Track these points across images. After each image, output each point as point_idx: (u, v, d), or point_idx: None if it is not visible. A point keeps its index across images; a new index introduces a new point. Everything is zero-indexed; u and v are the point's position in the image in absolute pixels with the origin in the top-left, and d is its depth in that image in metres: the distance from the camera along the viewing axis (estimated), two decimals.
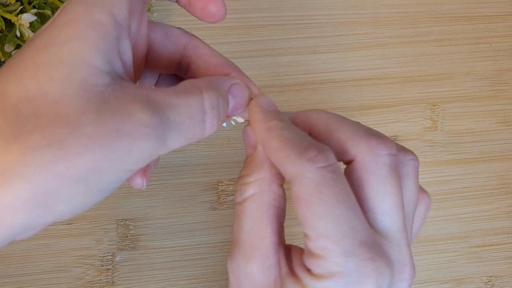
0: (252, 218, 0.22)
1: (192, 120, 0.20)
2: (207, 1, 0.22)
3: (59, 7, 0.32)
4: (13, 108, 0.16)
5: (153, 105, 0.18)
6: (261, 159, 0.23)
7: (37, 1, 0.32)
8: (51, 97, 0.16)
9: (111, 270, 0.36)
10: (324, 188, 0.19)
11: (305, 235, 0.20)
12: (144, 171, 0.24)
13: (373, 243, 0.20)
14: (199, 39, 0.24)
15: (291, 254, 0.23)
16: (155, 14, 0.39)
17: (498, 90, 0.42)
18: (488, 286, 0.39)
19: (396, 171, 0.22)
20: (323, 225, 0.19)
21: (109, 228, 0.37)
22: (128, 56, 0.20)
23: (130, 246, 0.37)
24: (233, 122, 0.25)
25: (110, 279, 0.36)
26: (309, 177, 0.19)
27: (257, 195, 0.22)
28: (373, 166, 0.21)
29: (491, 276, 0.40)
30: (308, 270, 0.20)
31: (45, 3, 0.33)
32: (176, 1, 0.23)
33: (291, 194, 0.21)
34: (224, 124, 0.24)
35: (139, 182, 0.24)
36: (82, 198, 0.17)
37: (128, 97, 0.18)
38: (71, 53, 0.17)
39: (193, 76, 0.24)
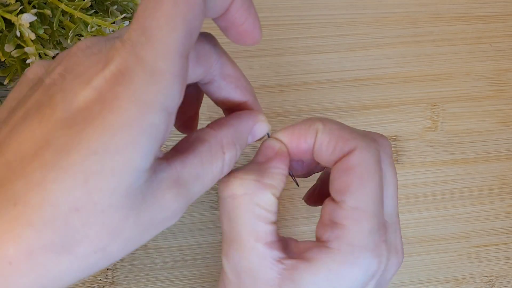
0: (245, 217, 0.23)
1: (212, 183, 0.21)
2: (244, 33, 0.21)
3: (59, 7, 0.32)
4: (63, 219, 0.16)
5: (182, 188, 0.19)
6: (266, 168, 0.24)
7: (37, 1, 0.32)
8: (99, 207, 0.17)
9: (111, 270, 0.36)
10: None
11: (337, 202, 0.23)
12: None
13: (385, 228, 0.23)
14: (226, 55, 0.24)
15: (289, 246, 0.24)
16: None
17: (498, 90, 0.42)
18: (488, 286, 0.39)
19: (392, 161, 0.25)
20: (363, 199, 0.22)
21: None
22: (169, 131, 0.19)
23: None
24: None
25: (110, 279, 0.36)
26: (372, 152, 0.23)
27: (251, 195, 0.23)
28: (382, 154, 0.24)
29: (491, 276, 0.40)
30: (323, 247, 0.23)
31: (45, 3, 0.33)
32: (214, 19, 0.21)
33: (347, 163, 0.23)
34: None
35: None
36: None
37: (163, 184, 0.18)
38: (123, 162, 0.17)
39: (213, 92, 0.24)
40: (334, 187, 0.23)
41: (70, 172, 0.16)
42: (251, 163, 0.25)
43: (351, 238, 0.22)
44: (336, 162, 0.24)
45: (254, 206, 0.23)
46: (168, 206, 0.19)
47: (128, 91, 0.17)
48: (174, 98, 0.18)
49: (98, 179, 0.16)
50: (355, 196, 0.22)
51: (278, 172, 0.24)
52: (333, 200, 0.23)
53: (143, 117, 0.17)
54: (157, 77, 0.17)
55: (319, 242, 0.23)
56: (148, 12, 0.17)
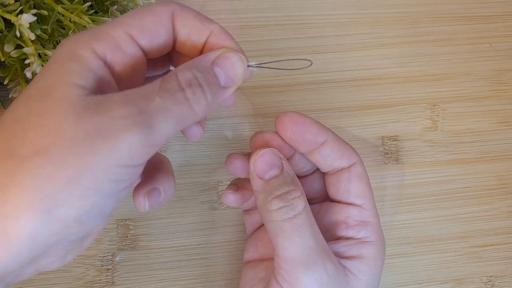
0: (314, 226, 0.26)
1: (173, 100, 0.20)
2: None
3: (55, 8, 0.32)
4: (6, 129, 0.18)
5: (130, 99, 0.19)
6: (294, 177, 0.28)
7: (33, 1, 0.32)
8: (36, 112, 0.18)
9: (111, 270, 0.36)
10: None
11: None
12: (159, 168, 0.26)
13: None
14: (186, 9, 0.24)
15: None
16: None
17: (498, 90, 0.42)
18: (488, 286, 0.39)
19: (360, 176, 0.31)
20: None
21: (109, 228, 0.37)
22: (109, 79, 0.21)
23: (130, 246, 0.37)
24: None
25: (110, 279, 0.36)
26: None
27: (307, 206, 0.26)
28: (353, 170, 0.30)
29: (491, 276, 0.40)
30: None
31: (44, 3, 0.33)
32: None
33: None
34: (229, 137, 0.27)
35: (141, 201, 0.24)
36: (79, 199, 0.18)
37: (107, 100, 0.19)
38: (55, 79, 0.19)
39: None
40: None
41: (27, 94, 0.20)
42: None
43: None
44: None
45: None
46: (114, 112, 0.19)
47: (68, 40, 0.21)
48: (102, 48, 0.21)
49: (36, 95, 0.19)
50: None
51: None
52: None
53: (72, 50, 0.21)
54: (92, 31, 0.22)
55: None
56: None
